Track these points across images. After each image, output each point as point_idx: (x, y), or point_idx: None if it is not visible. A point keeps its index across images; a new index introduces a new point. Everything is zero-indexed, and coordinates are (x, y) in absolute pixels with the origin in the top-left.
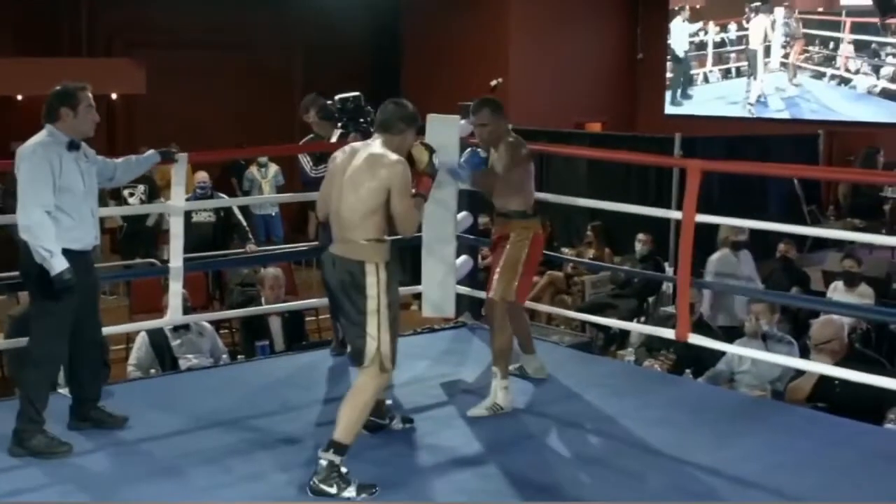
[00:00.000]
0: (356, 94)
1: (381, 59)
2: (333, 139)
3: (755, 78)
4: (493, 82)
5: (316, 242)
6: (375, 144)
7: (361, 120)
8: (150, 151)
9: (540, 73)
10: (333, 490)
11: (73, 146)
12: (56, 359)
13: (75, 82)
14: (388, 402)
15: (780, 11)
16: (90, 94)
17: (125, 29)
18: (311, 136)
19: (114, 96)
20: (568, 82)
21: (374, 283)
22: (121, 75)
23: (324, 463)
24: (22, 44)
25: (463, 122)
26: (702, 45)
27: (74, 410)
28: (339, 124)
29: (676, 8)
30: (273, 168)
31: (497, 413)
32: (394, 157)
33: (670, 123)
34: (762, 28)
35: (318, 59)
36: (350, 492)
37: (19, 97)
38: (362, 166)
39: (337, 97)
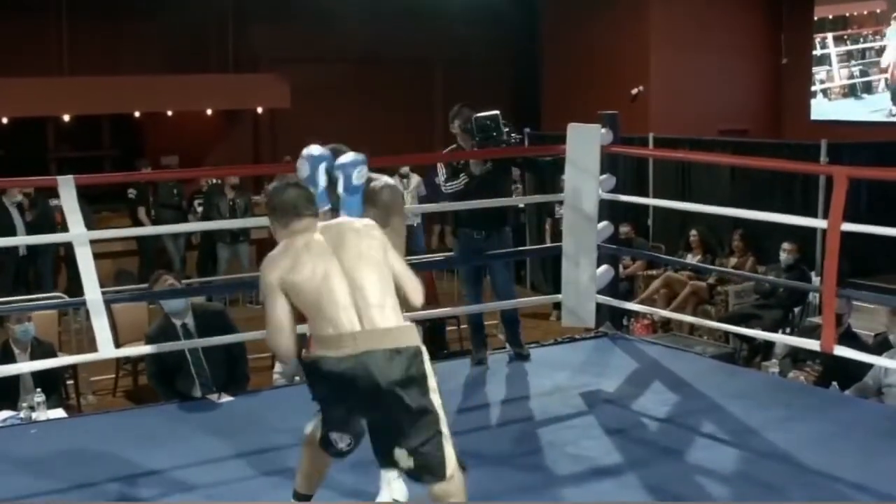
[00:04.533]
0: (495, 112)
1: (520, 71)
2: None
3: None
4: (635, 91)
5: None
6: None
7: (495, 135)
8: None
9: (681, 80)
10: None
11: None
12: None
13: None
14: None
15: None
16: None
17: (270, 46)
18: (454, 146)
19: (259, 110)
20: (710, 89)
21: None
22: (266, 90)
23: None
24: (171, 61)
25: (604, 131)
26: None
27: None
28: (476, 141)
29: (830, 16)
30: (415, 179)
31: None
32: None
33: (816, 129)
34: None
35: (457, 72)
36: None
37: (169, 113)
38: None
39: (474, 116)
